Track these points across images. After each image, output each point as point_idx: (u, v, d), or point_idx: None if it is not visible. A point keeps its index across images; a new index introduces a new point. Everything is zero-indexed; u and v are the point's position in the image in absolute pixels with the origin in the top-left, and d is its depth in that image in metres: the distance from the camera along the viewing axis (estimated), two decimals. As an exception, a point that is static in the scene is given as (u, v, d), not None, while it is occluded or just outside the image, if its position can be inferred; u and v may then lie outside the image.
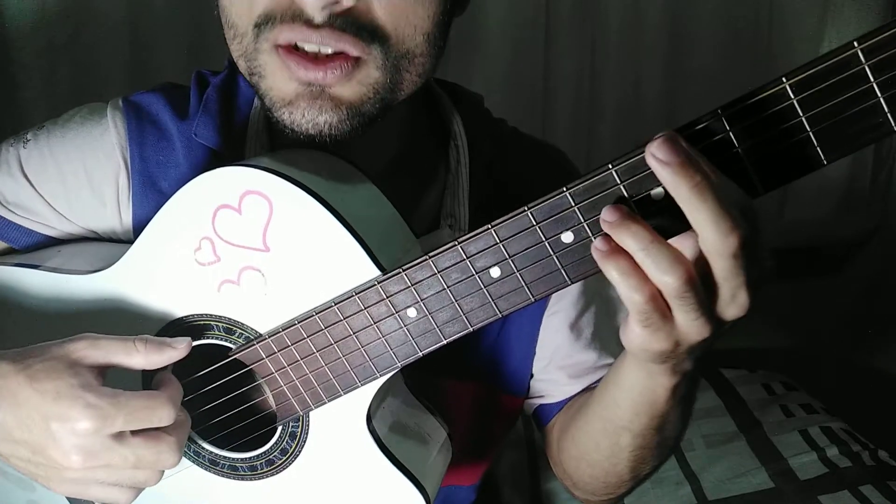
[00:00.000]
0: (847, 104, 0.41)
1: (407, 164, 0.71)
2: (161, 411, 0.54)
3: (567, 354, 0.75)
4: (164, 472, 0.57)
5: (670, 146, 0.42)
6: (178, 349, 0.56)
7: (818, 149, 0.43)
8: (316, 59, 0.56)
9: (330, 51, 0.55)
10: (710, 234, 0.42)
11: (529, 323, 0.74)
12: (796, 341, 1.88)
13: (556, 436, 0.77)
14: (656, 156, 0.42)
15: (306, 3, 0.53)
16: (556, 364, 0.75)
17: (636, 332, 0.48)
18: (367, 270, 0.55)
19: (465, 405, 0.74)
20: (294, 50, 0.56)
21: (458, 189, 0.70)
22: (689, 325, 0.46)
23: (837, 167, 1.97)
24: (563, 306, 0.74)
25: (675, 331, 0.47)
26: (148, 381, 0.64)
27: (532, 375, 0.77)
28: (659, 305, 0.46)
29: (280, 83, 0.57)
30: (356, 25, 0.54)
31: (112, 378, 0.56)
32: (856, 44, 0.40)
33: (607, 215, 0.45)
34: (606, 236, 0.45)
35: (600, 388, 0.67)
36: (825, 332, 1.92)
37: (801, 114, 0.42)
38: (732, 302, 0.46)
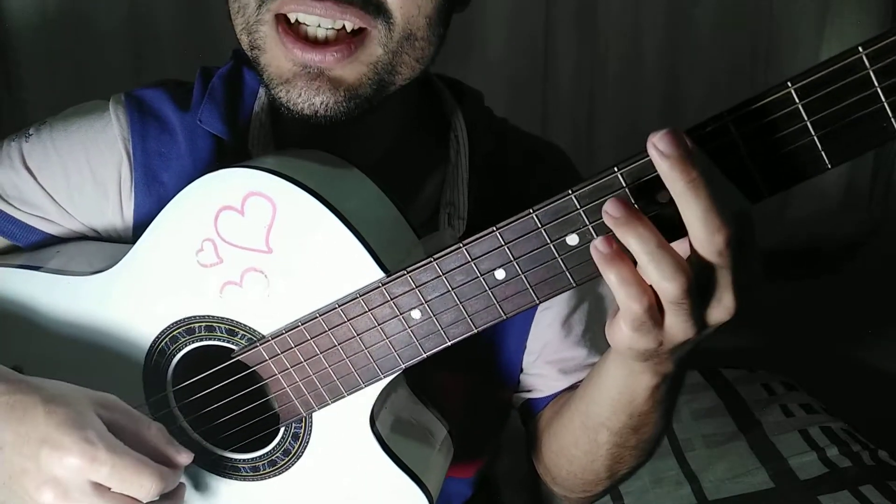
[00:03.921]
0: (851, 109, 0.41)
1: (405, 155, 0.71)
2: (146, 480, 0.53)
3: (556, 350, 0.75)
4: None
5: (672, 139, 0.42)
6: (180, 456, 0.57)
7: (822, 153, 0.43)
8: (315, 42, 0.56)
9: (330, 24, 0.56)
10: (698, 230, 0.43)
11: (522, 317, 0.73)
12: (796, 341, 1.88)
13: (540, 430, 0.77)
14: (657, 147, 0.42)
15: None
16: (544, 359, 0.76)
17: (624, 333, 0.48)
18: (371, 272, 0.55)
19: (460, 398, 0.74)
20: (291, 29, 0.57)
21: (458, 179, 0.71)
22: (677, 328, 0.47)
23: (838, 167, 1.98)
24: (555, 301, 0.74)
25: (662, 332, 0.48)
26: (149, 386, 0.64)
27: (522, 370, 0.77)
28: (654, 313, 0.46)
29: (278, 60, 0.58)
30: None
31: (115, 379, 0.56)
32: (860, 48, 0.40)
33: (611, 209, 0.44)
34: (608, 237, 0.45)
35: (583, 384, 0.68)
36: (825, 332, 1.92)
37: (805, 118, 0.42)
38: (718, 304, 0.46)
